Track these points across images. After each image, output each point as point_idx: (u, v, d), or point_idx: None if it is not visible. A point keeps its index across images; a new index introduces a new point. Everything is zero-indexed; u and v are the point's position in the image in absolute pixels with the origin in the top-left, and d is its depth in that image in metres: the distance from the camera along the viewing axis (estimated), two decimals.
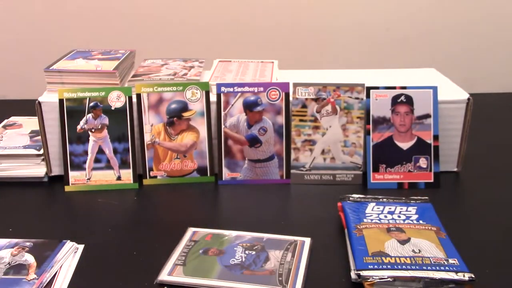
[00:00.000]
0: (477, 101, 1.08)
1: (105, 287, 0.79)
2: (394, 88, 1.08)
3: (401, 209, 0.92)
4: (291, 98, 1.08)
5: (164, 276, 0.78)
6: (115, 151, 1.08)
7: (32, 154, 1.10)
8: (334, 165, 1.09)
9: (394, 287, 0.74)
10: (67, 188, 1.07)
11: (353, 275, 0.77)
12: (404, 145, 1.07)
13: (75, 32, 1.62)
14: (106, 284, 0.79)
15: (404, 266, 0.76)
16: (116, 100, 1.08)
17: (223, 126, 1.08)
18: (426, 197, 0.96)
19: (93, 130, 1.08)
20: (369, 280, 0.74)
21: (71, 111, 1.07)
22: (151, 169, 1.09)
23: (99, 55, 1.19)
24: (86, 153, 1.08)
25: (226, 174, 1.10)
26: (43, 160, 1.10)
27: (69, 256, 0.84)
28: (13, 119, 1.29)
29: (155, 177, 1.10)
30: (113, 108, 1.08)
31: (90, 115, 1.08)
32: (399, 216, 0.89)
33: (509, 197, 1.03)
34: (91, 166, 1.08)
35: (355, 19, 1.62)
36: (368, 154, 1.07)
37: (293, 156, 1.09)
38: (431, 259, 0.77)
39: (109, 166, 1.08)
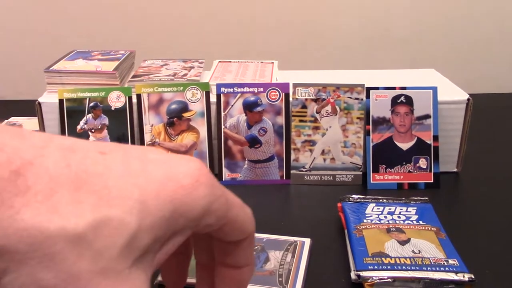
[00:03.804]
0: (477, 102, 1.08)
1: None
2: (394, 88, 1.08)
3: (401, 209, 0.91)
4: (291, 99, 1.08)
5: None
6: None
7: None
8: (334, 165, 1.09)
9: None
10: None
11: (353, 275, 0.77)
12: (404, 145, 1.07)
13: (75, 32, 1.62)
14: None
15: (404, 267, 0.76)
16: (116, 100, 1.08)
17: (223, 127, 1.08)
18: (426, 198, 0.95)
19: (93, 130, 1.08)
20: (369, 281, 0.74)
21: (71, 111, 1.07)
22: None
23: (99, 55, 1.19)
24: None
25: (226, 174, 1.10)
26: None
27: None
28: (13, 119, 1.28)
29: None
30: (113, 108, 1.08)
31: (90, 115, 1.08)
32: (399, 217, 0.89)
33: (509, 197, 1.03)
34: None
35: (355, 19, 1.62)
36: (368, 154, 1.07)
37: (293, 156, 1.09)
38: (431, 260, 0.77)
39: None
